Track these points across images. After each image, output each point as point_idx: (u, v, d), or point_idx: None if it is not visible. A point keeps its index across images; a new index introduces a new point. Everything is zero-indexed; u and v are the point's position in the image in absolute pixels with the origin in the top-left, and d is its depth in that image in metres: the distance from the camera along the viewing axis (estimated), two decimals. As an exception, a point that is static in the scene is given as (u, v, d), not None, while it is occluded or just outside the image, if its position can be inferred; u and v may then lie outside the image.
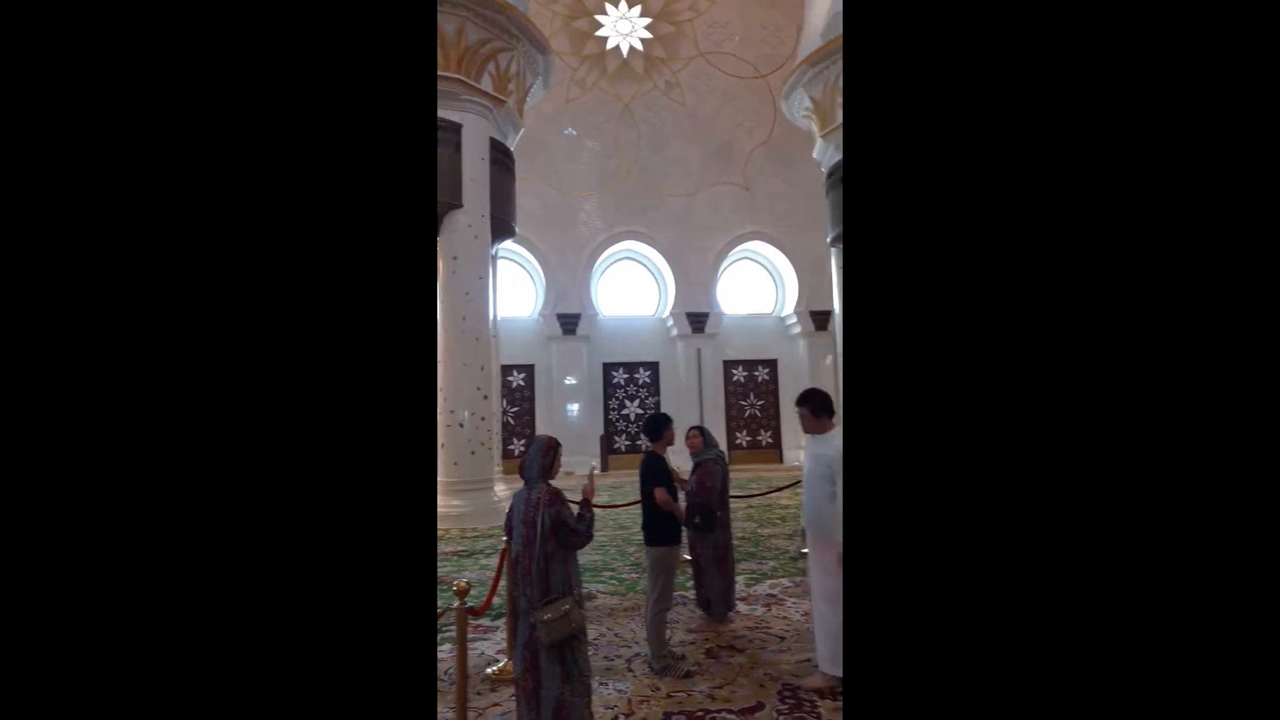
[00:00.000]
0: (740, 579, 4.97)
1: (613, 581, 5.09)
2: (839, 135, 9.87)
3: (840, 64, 9.48)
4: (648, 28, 14.67)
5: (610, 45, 14.64)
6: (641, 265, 15.46)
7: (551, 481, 2.48)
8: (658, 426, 3.62)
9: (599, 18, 14.43)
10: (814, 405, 3.09)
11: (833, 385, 12.22)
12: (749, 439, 15.11)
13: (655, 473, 3.48)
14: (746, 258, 15.71)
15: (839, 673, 2.93)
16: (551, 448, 2.50)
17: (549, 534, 2.33)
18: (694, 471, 4.02)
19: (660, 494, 3.36)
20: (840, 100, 9.70)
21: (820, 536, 2.99)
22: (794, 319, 15.07)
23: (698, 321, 14.73)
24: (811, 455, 3.08)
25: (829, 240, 10.70)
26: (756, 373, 15.31)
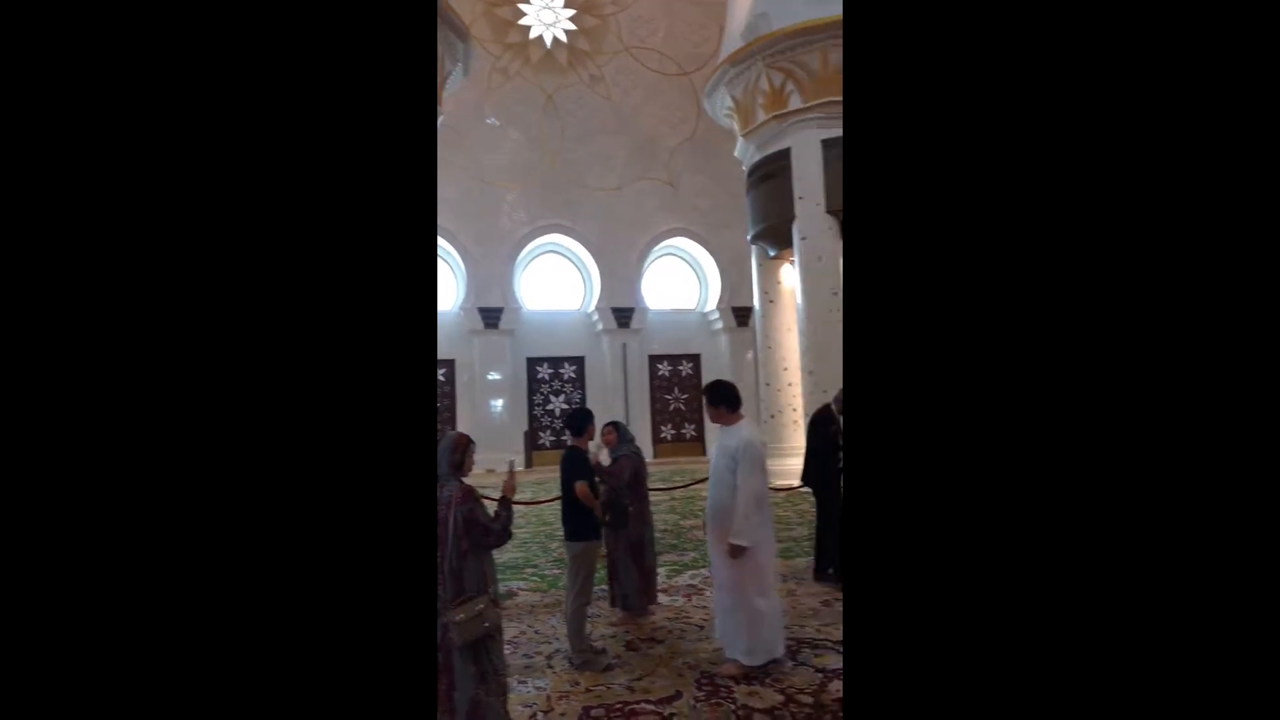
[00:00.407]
0: (662, 570, 5.03)
1: (534, 578, 5.04)
2: (759, 135, 10.12)
3: (760, 66, 9.72)
4: (572, 19, 14.52)
5: (534, 35, 14.40)
6: (566, 259, 15.34)
7: (467, 479, 2.42)
8: (580, 421, 3.61)
9: (522, 6, 14.16)
10: (721, 398, 3.17)
11: (754, 380, 12.56)
12: (674, 432, 15.31)
13: (576, 467, 3.47)
14: (671, 253, 15.87)
15: (744, 659, 3.01)
16: (461, 444, 2.44)
17: (461, 533, 2.28)
18: (612, 465, 4.04)
19: (580, 487, 3.35)
20: (760, 101, 9.94)
21: (721, 526, 3.06)
22: (717, 315, 15.36)
23: (623, 316, 14.77)
24: (719, 447, 3.15)
25: (749, 238, 10.96)
26: (681, 367, 15.52)
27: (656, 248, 15.39)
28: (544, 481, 10.36)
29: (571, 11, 14.46)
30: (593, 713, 2.72)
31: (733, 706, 2.72)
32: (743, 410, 3.24)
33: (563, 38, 14.56)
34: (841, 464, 4.82)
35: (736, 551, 2.96)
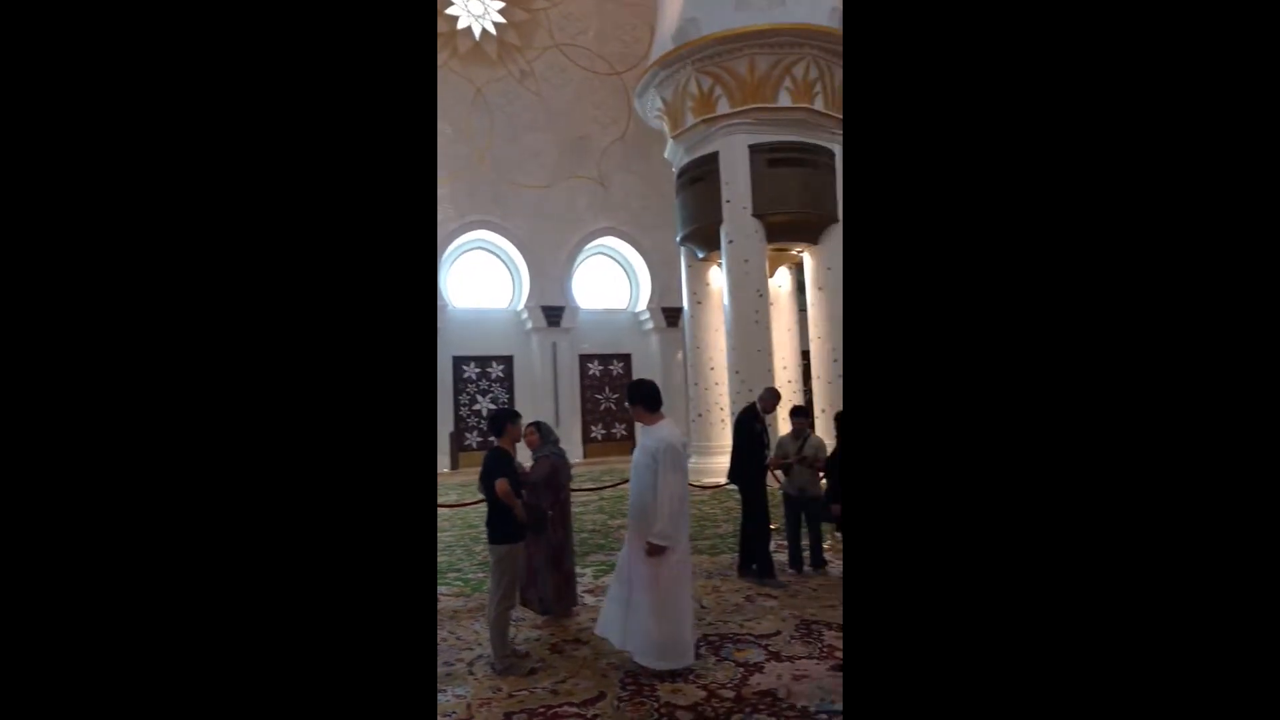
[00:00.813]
0: (588, 570, 5.02)
1: (457, 583, 4.92)
2: (688, 138, 10.25)
3: (689, 70, 9.84)
4: (501, 12, 14.25)
5: (462, 25, 14.04)
6: (495, 256, 15.06)
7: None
8: (500, 422, 3.54)
9: (449, -5, 13.80)
10: (641, 398, 3.19)
11: (683, 380, 12.71)
12: (604, 432, 15.29)
13: (498, 468, 3.40)
14: (601, 253, 15.85)
15: (645, 661, 3.01)
16: None
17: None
18: (532, 468, 3.99)
19: (501, 485, 3.29)
20: (690, 104, 10.07)
21: (641, 525, 3.08)
22: (647, 315, 15.46)
23: (553, 315, 14.63)
24: (640, 447, 3.17)
25: (678, 240, 11.08)
26: (611, 367, 15.52)
27: (587, 247, 15.32)
28: (469, 484, 10.13)
29: (501, 4, 14.19)
30: (514, 718, 2.67)
31: (655, 705, 2.74)
32: (664, 410, 3.27)
33: (492, 30, 14.27)
34: (767, 461, 4.95)
35: (654, 550, 2.97)
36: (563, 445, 4.32)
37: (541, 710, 2.73)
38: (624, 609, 3.09)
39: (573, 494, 4.60)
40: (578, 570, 4.98)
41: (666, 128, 10.82)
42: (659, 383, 3.41)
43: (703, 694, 2.82)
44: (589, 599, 4.28)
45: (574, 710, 2.72)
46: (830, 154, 10.04)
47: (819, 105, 9.77)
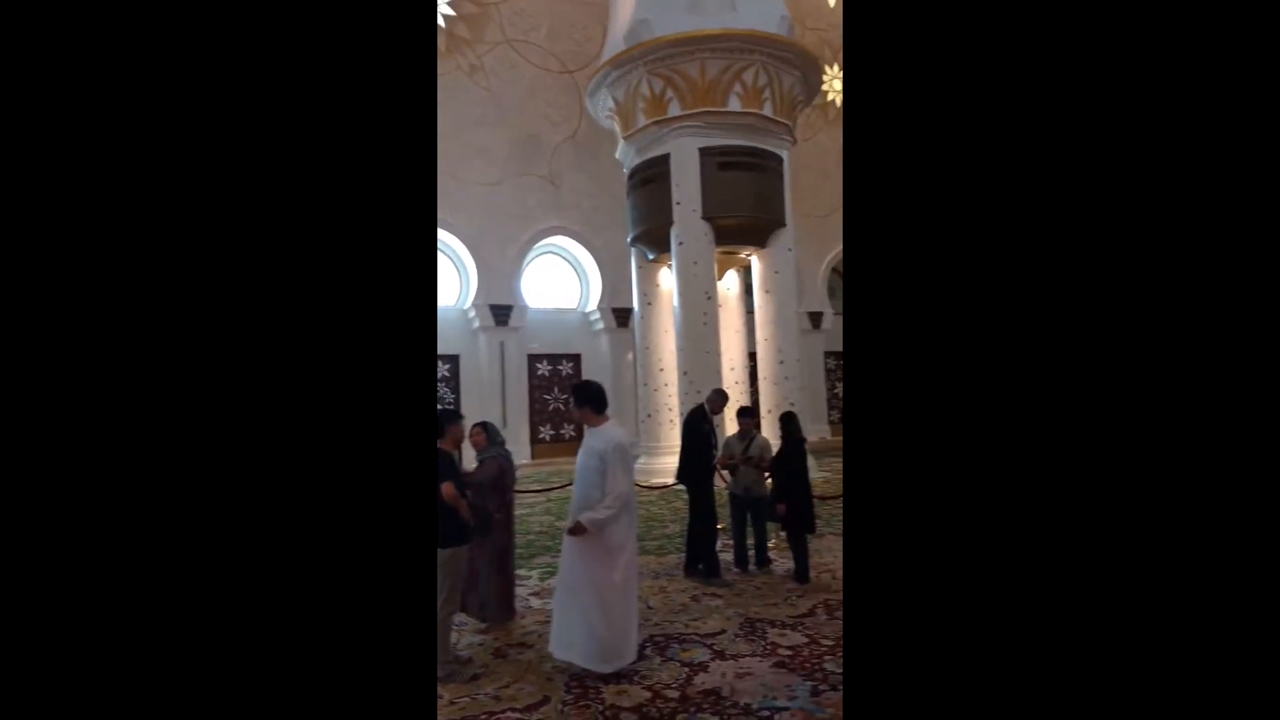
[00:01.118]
0: (534, 573, 4.96)
1: (399, 588, 4.77)
2: (640, 139, 10.27)
3: (641, 71, 9.86)
4: (450, 4, 13.97)
5: (409, 16, 13.70)
6: (442, 253, 14.73)
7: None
8: (442, 422, 3.45)
9: (396, -16, 13.42)
10: (587, 399, 3.18)
11: (633, 381, 12.73)
12: (552, 433, 15.16)
13: (441, 471, 3.31)
14: (551, 251, 15.71)
15: (589, 664, 2.99)
16: None
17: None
18: (477, 469, 3.91)
19: (448, 488, 3.21)
20: (641, 106, 10.09)
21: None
22: (598, 315, 15.40)
23: (501, 314, 14.42)
24: (585, 448, 3.16)
25: (629, 240, 11.09)
26: (561, 367, 15.40)
27: (537, 245, 15.16)
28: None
29: (450, -4, 13.92)
30: (455, 726, 2.61)
31: (601, 708, 2.72)
32: (614, 411, 3.26)
33: (440, 22, 13.97)
34: (715, 461, 5.00)
35: (578, 529, 2.97)
36: (510, 446, 4.25)
37: (484, 717, 2.68)
38: (567, 614, 3.06)
39: (519, 496, 4.53)
40: (524, 573, 4.92)
41: (618, 128, 10.81)
42: (609, 383, 3.40)
43: (648, 695, 2.82)
44: (534, 602, 4.23)
45: (517, 716, 2.68)
46: (778, 159, 10.22)
47: (768, 111, 9.93)
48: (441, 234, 14.36)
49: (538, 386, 15.15)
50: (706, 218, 9.72)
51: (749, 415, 5.21)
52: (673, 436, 9.81)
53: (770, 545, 5.11)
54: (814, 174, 16.48)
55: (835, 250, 17.38)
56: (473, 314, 14.35)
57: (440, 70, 14.07)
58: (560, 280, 15.86)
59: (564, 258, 15.91)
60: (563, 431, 15.25)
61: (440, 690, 2.94)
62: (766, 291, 10.45)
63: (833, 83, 17.29)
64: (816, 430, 15.98)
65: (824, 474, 9.94)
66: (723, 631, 3.60)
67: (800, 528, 4.65)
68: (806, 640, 3.42)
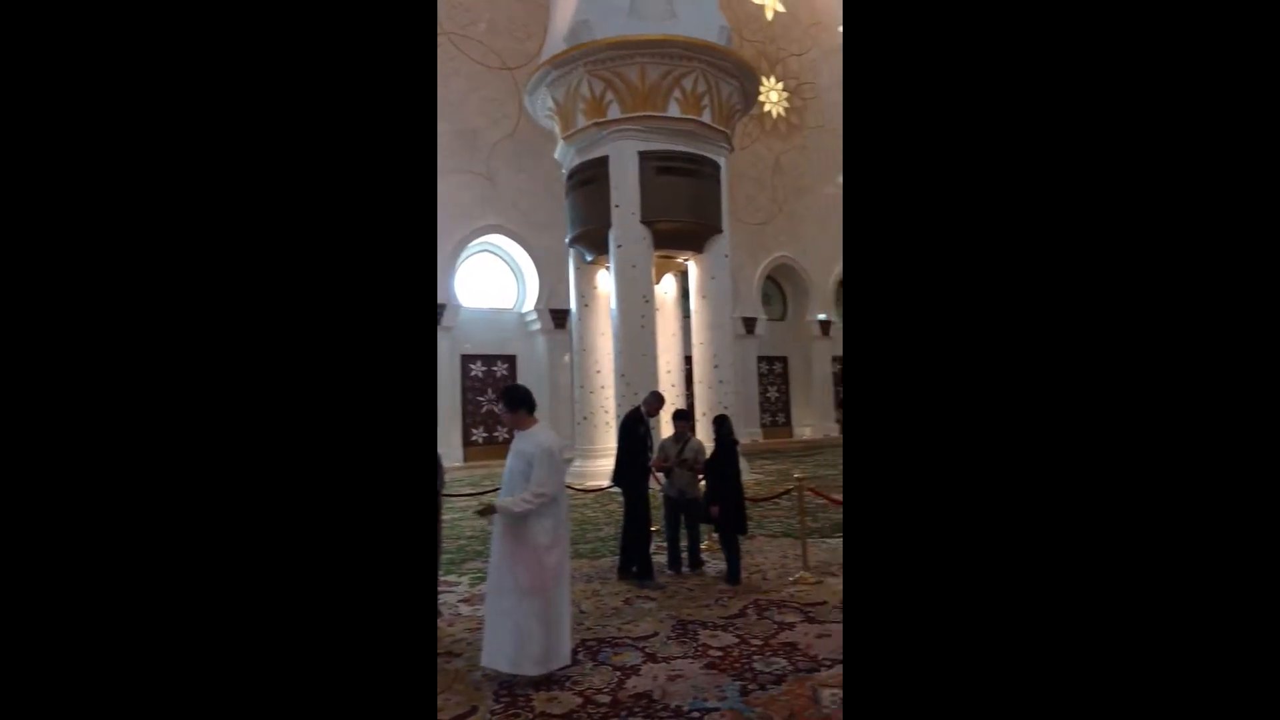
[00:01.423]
0: (464, 579, 4.83)
1: (319, 598, 4.55)
2: (579, 140, 10.22)
3: (581, 72, 9.82)
4: (385, -8, 13.53)
5: (340, 1, 13.18)
6: (372, 249, 14.22)
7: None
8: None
9: (327, -33, 12.88)
10: (517, 402, 3.14)
11: (569, 382, 12.63)
12: (486, 435, 14.86)
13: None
14: (487, 250, 15.43)
15: (500, 667, 2.95)
16: None
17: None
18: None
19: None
20: (581, 107, 10.04)
21: (511, 532, 3.02)
22: (534, 316, 15.22)
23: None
24: (515, 451, 3.11)
25: (567, 241, 11.02)
26: (496, 368, 15.13)
27: (472, 244, 14.85)
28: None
29: (385, -16, 13.47)
30: (377, 741, 2.50)
31: (530, 716, 2.67)
32: (549, 414, 3.22)
33: (374, 10, 13.50)
34: (650, 463, 5.01)
35: (489, 510, 2.97)
36: (441, 448, 4.13)
37: (407, 730, 2.58)
38: (497, 621, 2.99)
39: (450, 499, 4.41)
40: (453, 579, 4.79)
41: (557, 128, 10.72)
42: (545, 385, 3.36)
43: (579, 700, 2.79)
44: (464, 609, 4.12)
45: (443, 727, 2.59)
46: (716, 166, 10.38)
47: (707, 118, 10.08)
48: (372, 229, 13.84)
49: (471, 388, 14.83)
50: (645, 221, 9.77)
51: (684, 418, 5.25)
52: (609, 439, 9.79)
53: (704, 547, 5.17)
54: (750, 182, 16.85)
55: (771, 256, 17.81)
56: (404, 312, 13.90)
57: (373, 59, 13.59)
58: (496, 279, 15.59)
59: (500, 257, 15.64)
60: (496, 434, 14.97)
61: (361, 704, 2.82)
62: (703, 296, 10.59)
63: (769, 94, 17.75)
64: (749, 433, 16.30)
65: (756, 476, 10.14)
66: (655, 634, 3.60)
67: (733, 529, 4.72)
68: (737, 640, 3.46)
